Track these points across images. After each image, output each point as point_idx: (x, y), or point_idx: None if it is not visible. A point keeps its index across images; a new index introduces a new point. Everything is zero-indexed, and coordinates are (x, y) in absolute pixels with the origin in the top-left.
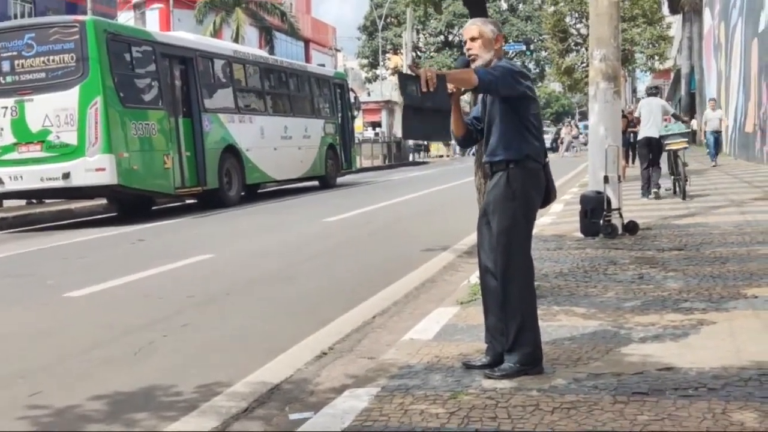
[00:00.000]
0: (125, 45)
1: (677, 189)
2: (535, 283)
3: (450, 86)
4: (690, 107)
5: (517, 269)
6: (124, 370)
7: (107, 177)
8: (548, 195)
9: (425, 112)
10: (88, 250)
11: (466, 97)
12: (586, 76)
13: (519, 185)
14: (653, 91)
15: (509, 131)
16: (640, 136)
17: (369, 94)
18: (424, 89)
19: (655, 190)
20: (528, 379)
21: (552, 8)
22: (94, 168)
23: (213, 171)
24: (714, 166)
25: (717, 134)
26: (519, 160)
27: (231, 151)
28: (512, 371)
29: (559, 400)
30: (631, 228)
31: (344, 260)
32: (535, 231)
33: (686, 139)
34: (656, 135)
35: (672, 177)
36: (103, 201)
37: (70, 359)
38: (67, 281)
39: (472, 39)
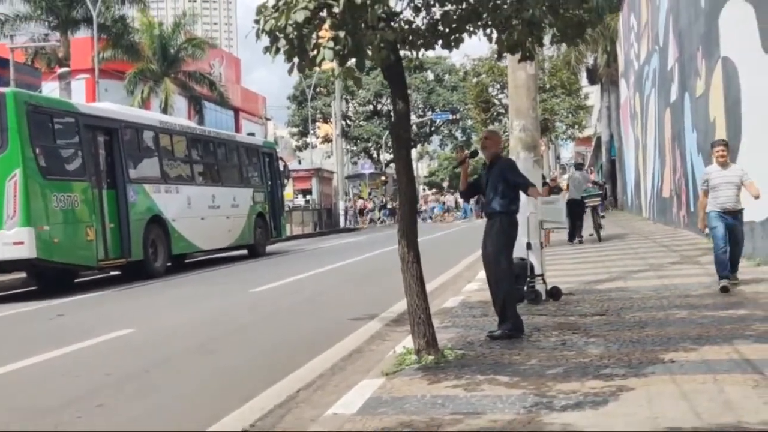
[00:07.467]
0: (47, 116)
1: (598, 235)
2: (461, 352)
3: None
4: (611, 173)
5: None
6: None
7: (26, 251)
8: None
9: None
10: (3, 326)
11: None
12: (509, 145)
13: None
14: (579, 166)
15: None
16: (566, 199)
17: (300, 162)
18: None
19: (579, 239)
20: None
21: (475, 79)
22: (12, 242)
23: (138, 242)
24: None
25: (733, 218)
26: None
27: (156, 222)
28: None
29: None
30: (555, 294)
31: (270, 331)
32: (461, 298)
33: (599, 199)
34: (578, 197)
35: (593, 226)
36: (23, 274)
37: None
38: None
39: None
